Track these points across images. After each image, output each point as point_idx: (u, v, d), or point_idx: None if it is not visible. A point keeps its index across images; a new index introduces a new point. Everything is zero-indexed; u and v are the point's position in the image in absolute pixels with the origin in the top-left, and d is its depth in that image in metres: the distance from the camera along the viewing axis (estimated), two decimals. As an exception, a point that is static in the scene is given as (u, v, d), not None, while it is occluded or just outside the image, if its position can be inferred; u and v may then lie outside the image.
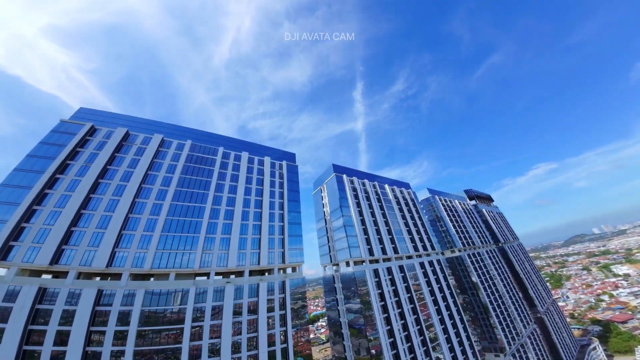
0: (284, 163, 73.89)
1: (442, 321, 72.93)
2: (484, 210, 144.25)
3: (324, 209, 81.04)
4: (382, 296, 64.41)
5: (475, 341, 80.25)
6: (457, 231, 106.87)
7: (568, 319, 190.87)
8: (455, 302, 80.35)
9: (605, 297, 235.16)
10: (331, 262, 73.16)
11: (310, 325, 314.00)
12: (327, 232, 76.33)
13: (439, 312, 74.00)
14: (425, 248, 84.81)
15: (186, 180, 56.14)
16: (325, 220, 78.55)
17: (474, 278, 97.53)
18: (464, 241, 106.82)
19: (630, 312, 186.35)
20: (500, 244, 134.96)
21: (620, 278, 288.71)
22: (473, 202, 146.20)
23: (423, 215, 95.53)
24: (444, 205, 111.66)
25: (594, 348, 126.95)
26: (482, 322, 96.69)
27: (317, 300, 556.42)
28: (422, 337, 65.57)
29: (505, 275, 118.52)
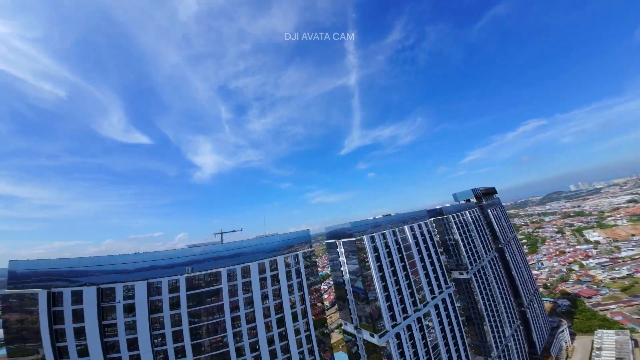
0: (299, 254, 59.80)
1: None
2: (489, 211, 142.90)
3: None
4: None
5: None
6: (466, 250, 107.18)
7: (541, 289, 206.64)
8: (463, 335, 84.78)
9: (576, 267, 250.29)
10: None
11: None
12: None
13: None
14: (440, 287, 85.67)
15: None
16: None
17: (478, 298, 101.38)
18: (472, 259, 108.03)
19: (595, 287, 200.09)
20: (499, 246, 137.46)
21: (590, 246, 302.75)
22: (478, 201, 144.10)
23: (438, 247, 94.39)
24: (457, 224, 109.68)
25: (562, 331, 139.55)
26: (477, 328, 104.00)
27: (318, 259, 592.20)
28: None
29: (501, 278, 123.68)
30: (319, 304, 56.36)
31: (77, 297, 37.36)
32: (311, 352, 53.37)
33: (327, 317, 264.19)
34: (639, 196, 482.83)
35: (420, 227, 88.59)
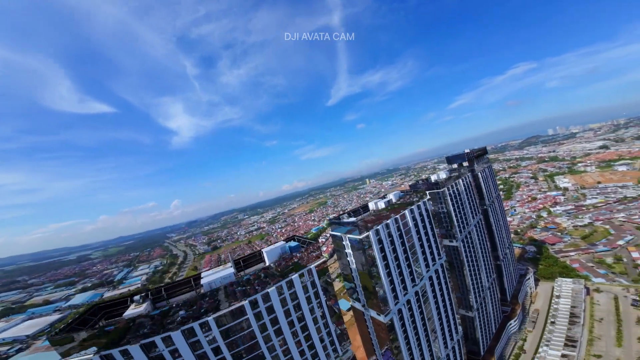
0: (313, 268, 54.58)
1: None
2: (479, 174, 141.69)
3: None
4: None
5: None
6: (457, 219, 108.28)
7: (512, 235, 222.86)
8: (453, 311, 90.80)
9: (545, 214, 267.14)
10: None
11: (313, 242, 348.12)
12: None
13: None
14: (433, 259, 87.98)
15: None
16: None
17: (464, 262, 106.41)
18: (461, 227, 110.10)
19: (559, 234, 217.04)
20: (484, 207, 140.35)
21: (560, 192, 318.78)
22: (470, 164, 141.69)
23: (432, 220, 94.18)
24: (450, 195, 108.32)
25: (528, 278, 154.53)
26: (460, 283, 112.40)
27: (313, 214, 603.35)
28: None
29: (484, 238, 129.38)
30: (335, 308, 55.96)
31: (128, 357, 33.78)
32: (332, 343, 54.97)
33: (329, 267, 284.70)
34: (610, 142, 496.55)
35: (419, 207, 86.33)
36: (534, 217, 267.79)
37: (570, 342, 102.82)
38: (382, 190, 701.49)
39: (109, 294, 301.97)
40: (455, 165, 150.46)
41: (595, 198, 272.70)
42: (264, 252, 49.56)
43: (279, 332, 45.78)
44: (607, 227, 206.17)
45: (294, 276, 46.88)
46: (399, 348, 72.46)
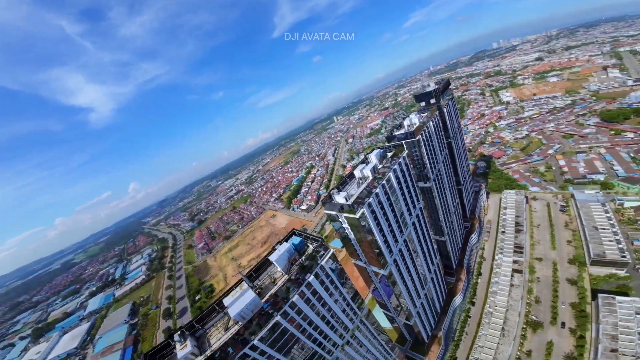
0: (324, 264, 53.28)
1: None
2: (444, 110, 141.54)
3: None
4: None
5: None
6: (429, 161, 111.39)
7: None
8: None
9: (491, 129, 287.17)
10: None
11: (294, 198, 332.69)
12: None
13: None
14: (414, 206, 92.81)
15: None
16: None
17: (436, 197, 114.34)
18: (432, 168, 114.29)
19: (503, 148, 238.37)
20: (449, 140, 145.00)
21: (503, 107, 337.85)
22: (437, 100, 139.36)
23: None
24: (424, 141, 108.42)
25: (482, 194, 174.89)
26: (432, 212, 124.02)
27: (289, 165, 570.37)
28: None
29: (449, 170, 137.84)
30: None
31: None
32: (352, 309, 59.28)
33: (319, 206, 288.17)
34: (544, 54, 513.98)
35: (400, 164, 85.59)
36: (483, 133, 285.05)
37: (518, 248, 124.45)
38: (351, 125, 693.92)
39: (119, 292, 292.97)
40: (423, 103, 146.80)
41: (531, 110, 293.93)
42: (272, 260, 46.86)
43: (310, 323, 47.76)
44: (540, 137, 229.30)
45: (311, 278, 46.07)
46: (396, 283, 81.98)
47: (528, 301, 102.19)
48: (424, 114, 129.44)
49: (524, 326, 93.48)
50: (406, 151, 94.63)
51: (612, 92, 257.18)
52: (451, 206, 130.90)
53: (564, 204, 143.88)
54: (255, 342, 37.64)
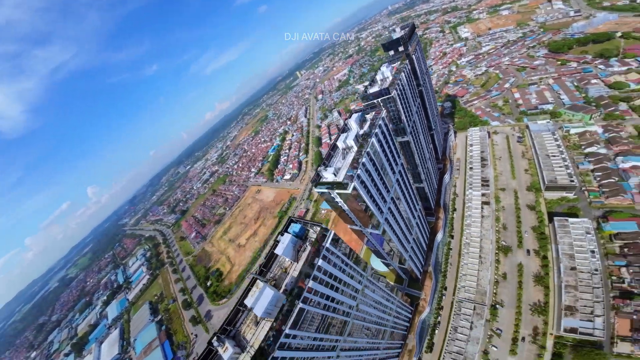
0: (328, 245, 55.65)
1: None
2: (413, 57, 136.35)
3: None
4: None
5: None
6: (405, 116, 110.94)
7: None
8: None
9: (454, 68, 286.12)
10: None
11: (275, 169, 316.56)
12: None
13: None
14: (396, 164, 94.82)
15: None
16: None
17: (414, 151, 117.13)
18: (408, 121, 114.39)
19: (466, 86, 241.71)
20: (420, 88, 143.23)
21: (463, 43, 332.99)
22: (405, 48, 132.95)
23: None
24: (399, 97, 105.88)
25: (450, 135, 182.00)
26: (409, 160, 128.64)
27: (260, 135, 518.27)
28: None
29: (422, 119, 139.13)
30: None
31: None
32: (358, 272, 63.40)
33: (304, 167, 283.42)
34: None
35: (380, 127, 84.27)
36: (447, 72, 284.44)
37: (485, 182, 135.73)
38: (317, 80, 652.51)
39: (130, 295, 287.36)
40: (392, 52, 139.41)
41: (488, 45, 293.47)
42: (279, 253, 46.89)
43: (327, 297, 50.77)
44: (497, 72, 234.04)
45: (320, 262, 47.27)
46: (386, 233, 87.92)
47: (497, 229, 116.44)
48: (395, 65, 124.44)
49: (497, 251, 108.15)
50: (384, 111, 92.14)
51: (557, 23, 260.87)
52: (426, 153, 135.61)
53: (520, 135, 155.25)
54: (287, 330, 39.55)
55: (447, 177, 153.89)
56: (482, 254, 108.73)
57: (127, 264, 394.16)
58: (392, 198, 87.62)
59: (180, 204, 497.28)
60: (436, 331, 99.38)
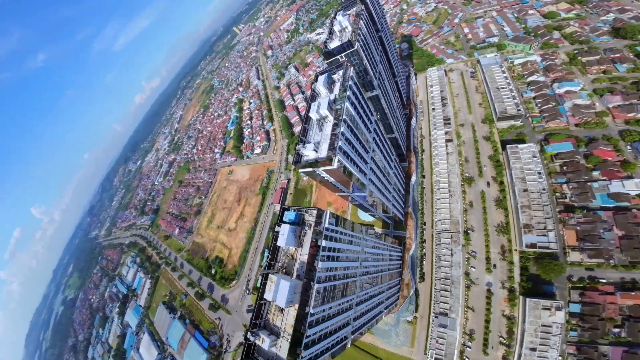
0: (326, 224, 57.50)
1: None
2: (368, 2, 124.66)
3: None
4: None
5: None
6: (372, 70, 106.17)
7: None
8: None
9: (405, 6, 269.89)
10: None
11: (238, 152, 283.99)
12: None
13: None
14: (370, 122, 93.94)
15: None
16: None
17: (385, 107, 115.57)
18: (375, 75, 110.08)
19: (419, 24, 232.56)
20: (379, 34, 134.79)
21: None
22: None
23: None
24: (363, 50, 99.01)
25: (412, 77, 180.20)
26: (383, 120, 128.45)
27: (211, 109, 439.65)
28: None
29: (387, 70, 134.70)
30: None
31: None
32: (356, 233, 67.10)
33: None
34: None
35: (351, 88, 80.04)
36: (399, 11, 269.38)
37: (446, 120, 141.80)
38: (261, 34, 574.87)
39: (141, 301, 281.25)
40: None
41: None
42: (282, 246, 47.12)
43: (335, 269, 53.68)
44: (446, 7, 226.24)
45: (323, 243, 48.38)
46: (372, 191, 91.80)
47: (460, 162, 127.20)
48: (350, 12, 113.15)
49: (462, 183, 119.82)
50: (351, 69, 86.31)
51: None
52: (394, 102, 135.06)
53: (473, 71, 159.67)
54: (311, 310, 42.01)
55: (413, 121, 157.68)
56: (450, 187, 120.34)
57: (120, 273, 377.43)
58: (372, 158, 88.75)
59: (148, 204, 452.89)
60: (424, 262, 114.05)
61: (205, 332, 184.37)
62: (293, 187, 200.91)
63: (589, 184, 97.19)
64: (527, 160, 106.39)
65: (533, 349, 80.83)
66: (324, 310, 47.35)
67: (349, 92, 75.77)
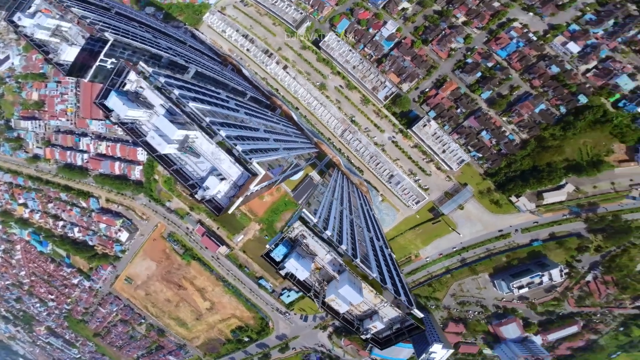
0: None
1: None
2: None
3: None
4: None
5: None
6: (154, 46, 78.56)
7: None
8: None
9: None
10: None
11: None
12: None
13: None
14: (227, 102, 76.36)
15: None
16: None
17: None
18: (169, 50, 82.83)
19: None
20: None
21: None
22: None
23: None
24: (131, 38, 68.17)
25: (199, 35, 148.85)
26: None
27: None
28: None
29: (164, 37, 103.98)
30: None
31: None
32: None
33: None
34: None
35: (170, 84, 58.14)
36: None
37: (266, 53, 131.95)
38: None
39: None
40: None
41: None
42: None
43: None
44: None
45: (328, 233, 40.73)
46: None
47: (307, 78, 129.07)
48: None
49: (321, 92, 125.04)
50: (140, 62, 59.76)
51: None
52: (216, 67, 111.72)
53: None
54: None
55: (245, 71, 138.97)
56: (318, 101, 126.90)
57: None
58: (264, 131, 74.94)
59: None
60: (352, 162, 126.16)
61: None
62: (212, 222, 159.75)
63: (374, 38, 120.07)
64: (337, 46, 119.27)
65: (444, 151, 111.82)
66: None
67: (175, 90, 51.13)
